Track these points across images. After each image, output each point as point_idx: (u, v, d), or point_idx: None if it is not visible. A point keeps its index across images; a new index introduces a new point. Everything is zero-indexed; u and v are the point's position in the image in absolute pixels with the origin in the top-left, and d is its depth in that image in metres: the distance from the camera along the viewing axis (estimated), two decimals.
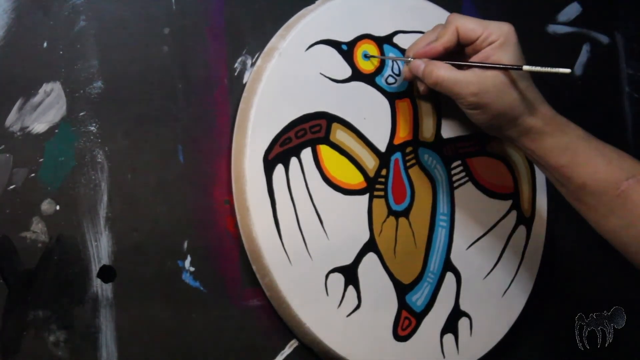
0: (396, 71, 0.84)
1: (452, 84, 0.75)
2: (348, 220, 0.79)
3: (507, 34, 0.75)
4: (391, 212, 0.82)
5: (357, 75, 0.81)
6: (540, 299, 0.95)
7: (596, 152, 0.77)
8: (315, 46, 0.79)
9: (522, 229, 0.92)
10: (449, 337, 0.85)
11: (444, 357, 0.85)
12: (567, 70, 0.72)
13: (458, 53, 0.78)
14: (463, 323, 0.87)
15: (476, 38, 0.75)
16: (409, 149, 0.84)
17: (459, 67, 0.76)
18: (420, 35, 0.83)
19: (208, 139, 0.76)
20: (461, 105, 0.76)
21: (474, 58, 0.76)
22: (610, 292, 1.01)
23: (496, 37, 0.75)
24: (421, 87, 0.80)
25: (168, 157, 0.73)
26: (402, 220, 0.83)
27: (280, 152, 0.75)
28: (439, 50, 0.76)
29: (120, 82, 0.71)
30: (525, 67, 0.73)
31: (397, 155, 0.83)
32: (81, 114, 0.69)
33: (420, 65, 0.77)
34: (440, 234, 0.86)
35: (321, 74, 0.79)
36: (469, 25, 0.76)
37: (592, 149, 0.77)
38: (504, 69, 0.74)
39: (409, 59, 0.79)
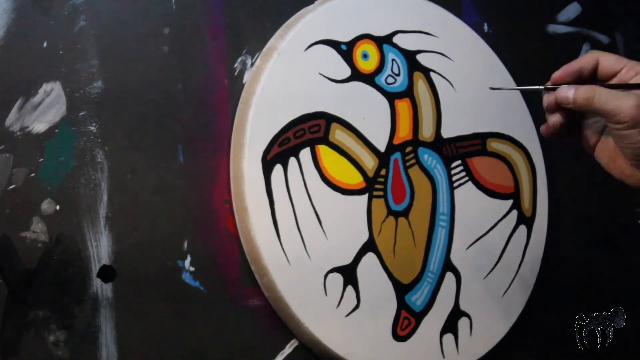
0: (395, 71, 0.84)
1: (610, 98, 0.69)
2: (347, 220, 0.79)
3: None
4: (390, 212, 0.82)
5: (356, 75, 0.81)
6: (540, 299, 0.94)
7: None
8: (315, 46, 0.79)
9: (522, 229, 0.92)
10: (448, 337, 0.85)
11: (444, 357, 0.84)
12: None
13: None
14: (463, 323, 0.86)
15: (620, 69, 0.71)
16: (408, 149, 0.84)
17: None
18: (420, 34, 0.83)
19: (208, 139, 0.76)
20: (615, 125, 0.70)
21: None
22: (610, 292, 1.01)
23: None
24: (553, 120, 0.74)
25: (168, 157, 0.73)
26: (401, 220, 0.83)
27: (279, 152, 0.75)
28: (574, 69, 0.72)
29: (120, 82, 0.71)
30: None
31: (397, 155, 0.83)
32: (81, 114, 0.69)
33: (569, 89, 0.72)
34: (440, 234, 0.86)
35: (320, 74, 0.79)
36: (612, 57, 0.72)
37: None
38: None
39: (541, 87, 0.74)
